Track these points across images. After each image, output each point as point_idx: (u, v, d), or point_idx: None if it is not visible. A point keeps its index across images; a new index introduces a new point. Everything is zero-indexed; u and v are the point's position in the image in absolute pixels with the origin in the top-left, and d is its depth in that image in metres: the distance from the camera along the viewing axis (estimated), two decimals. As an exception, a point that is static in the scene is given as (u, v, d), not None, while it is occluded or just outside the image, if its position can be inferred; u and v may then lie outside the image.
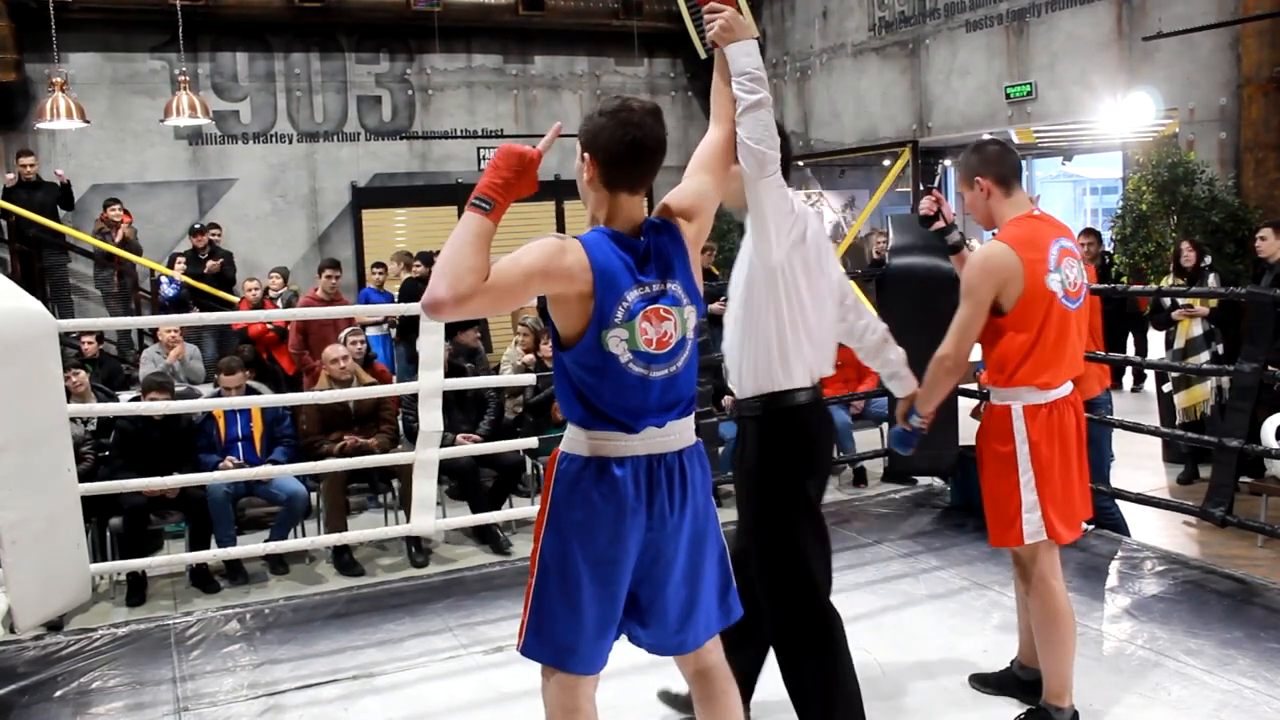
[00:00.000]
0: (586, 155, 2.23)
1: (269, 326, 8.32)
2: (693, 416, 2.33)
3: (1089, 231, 9.05)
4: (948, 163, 15.67)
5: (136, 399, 6.02)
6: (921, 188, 12.67)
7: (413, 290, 9.33)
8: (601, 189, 2.22)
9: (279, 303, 9.15)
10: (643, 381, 2.18)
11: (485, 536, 6.16)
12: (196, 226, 10.14)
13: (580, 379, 2.19)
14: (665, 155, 2.24)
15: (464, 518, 5.79)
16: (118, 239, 9.66)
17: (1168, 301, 6.80)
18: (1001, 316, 2.97)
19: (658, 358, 2.19)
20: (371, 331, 8.50)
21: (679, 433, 2.27)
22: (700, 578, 2.33)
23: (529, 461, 6.61)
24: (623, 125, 2.17)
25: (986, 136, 12.72)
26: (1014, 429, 2.99)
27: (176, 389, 6.89)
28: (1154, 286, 6.37)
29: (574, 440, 2.23)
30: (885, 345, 3.16)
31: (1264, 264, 6.62)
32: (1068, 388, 3.05)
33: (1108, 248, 9.28)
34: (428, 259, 9.89)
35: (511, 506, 6.22)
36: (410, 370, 7.34)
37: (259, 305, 8.62)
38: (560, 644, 2.23)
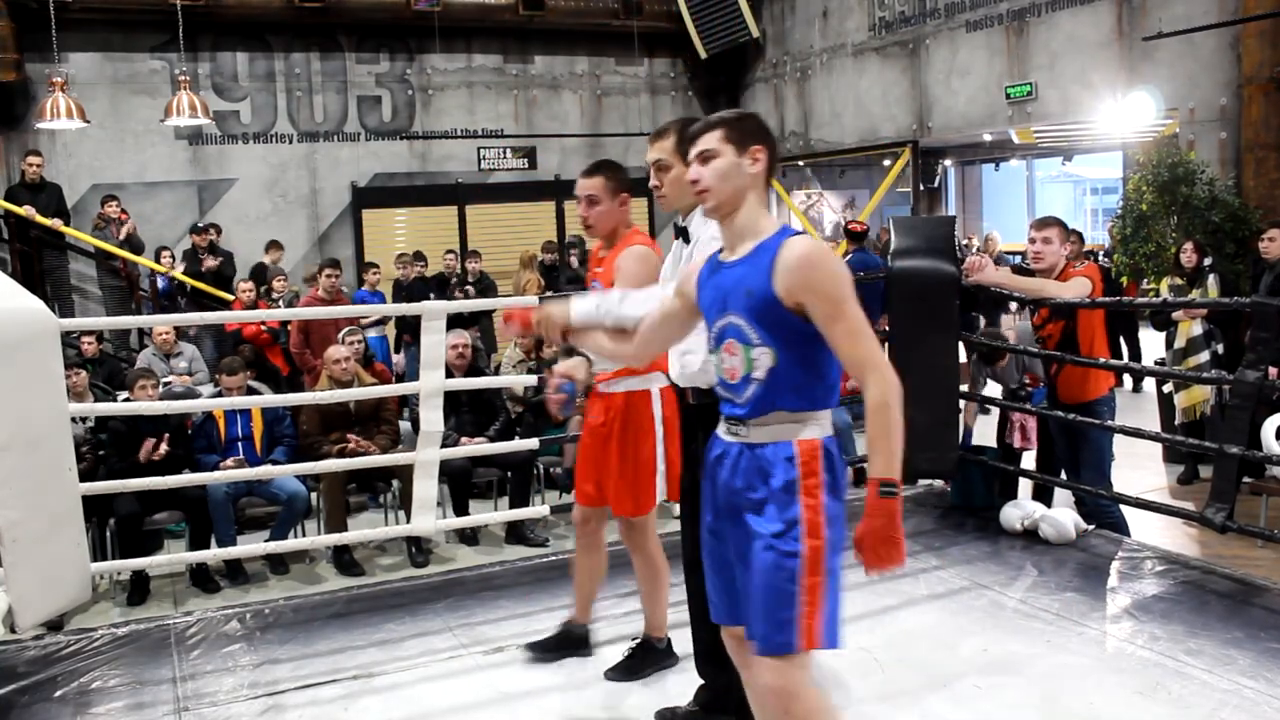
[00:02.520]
0: (759, 146, 2.36)
1: (263, 328, 8.32)
2: None
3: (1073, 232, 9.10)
4: (948, 163, 15.70)
5: (129, 399, 6.01)
6: (922, 188, 12.70)
7: (412, 290, 9.35)
8: (763, 184, 2.39)
9: (280, 303, 9.16)
10: None
11: (469, 537, 6.25)
12: (201, 226, 10.16)
13: (830, 356, 2.35)
14: None
15: (465, 518, 5.80)
16: (120, 236, 9.67)
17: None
18: None
19: None
20: (370, 333, 8.51)
21: None
22: None
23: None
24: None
25: (987, 137, 12.76)
26: (652, 408, 3.38)
27: (175, 389, 6.91)
28: (1159, 299, 6.37)
29: (823, 424, 2.38)
30: None
31: (1263, 264, 6.63)
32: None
33: (1106, 247, 9.29)
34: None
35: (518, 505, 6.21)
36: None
37: (252, 307, 8.62)
38: (836, 624, 2.32)
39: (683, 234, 2.99)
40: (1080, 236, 9.11)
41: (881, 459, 2.26)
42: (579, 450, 3.60)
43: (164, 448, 5.63)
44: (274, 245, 10.51)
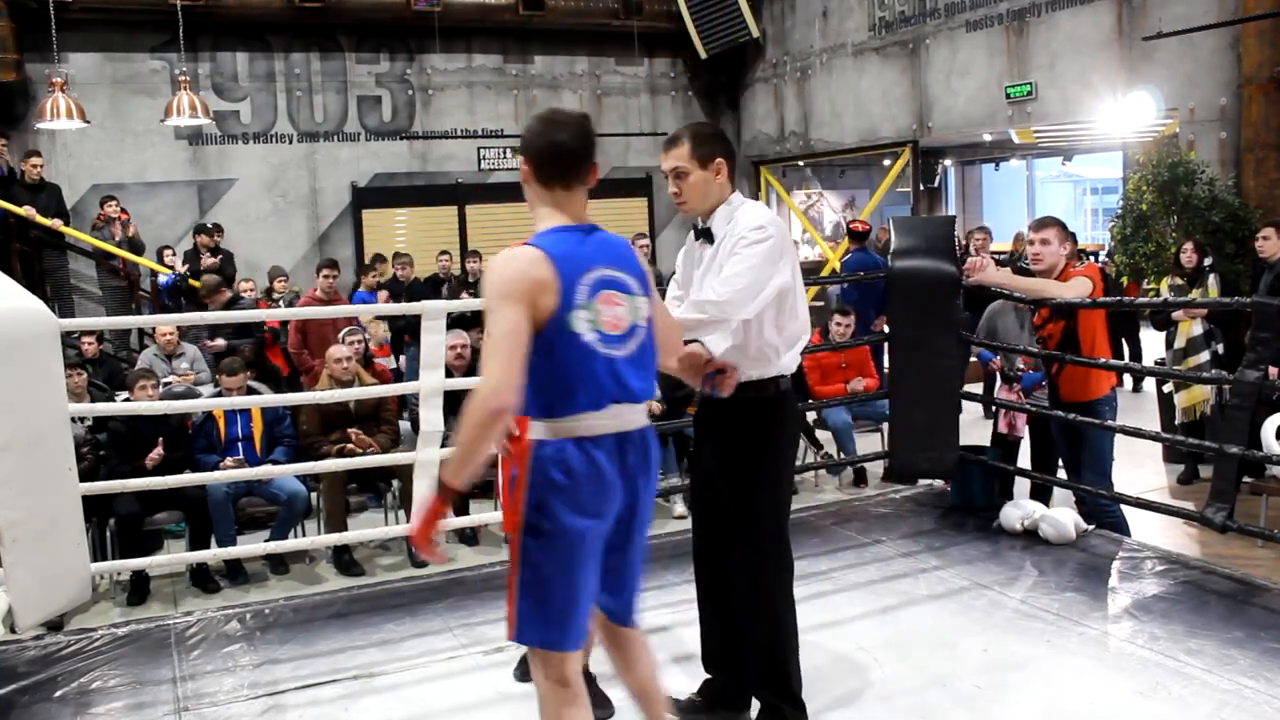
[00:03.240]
0: (521, 156, 2.48)
1: (264, 327, 8.31)
2: (649, 400, 2.52)
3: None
4: (948, 163, 15.70)
5: (128, 400, 6.01)
6: (922, 188, 12.69)
7: (411, 291, 9.35)
8: (536, 185, 2.45)
9: (280, 303, 9.16)
10: (609, 361, 2.37)
11: (469, 537, 6.32)
12: (209, 226, 10.17)
13: (549, 364, 2.33)
14: (584, 163, 2.43)
15: (465, 518, 5.79)
16: (119, 237, 9.68)
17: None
18: None
19: (616, 339, 2.39)
20: (372, 333, 8.51)
21: (644, 408, 2.47)
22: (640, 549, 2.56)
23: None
24: (549, 126, 2.43)
25: (988, 137, 12.76)
26: None
27: (175, 389, 6.91)
28: (1160, 299, 6.38)
29: (552, 428, 2.36)
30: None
31: (1263, 264, 6.64)
32: None
33: (1108, 248, 9.28)
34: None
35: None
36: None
37: (254, 307, 8.62)
38: (556, 626, 2.35)
39: (705, 235, 3.02)
40: (1074, 237, 9.05)
41: (448, 462, 2.36)
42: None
43: (159, 451, 5.61)
44: (380, 259, 10.20)
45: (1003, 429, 5.71)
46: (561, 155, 2.40)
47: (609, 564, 2.46)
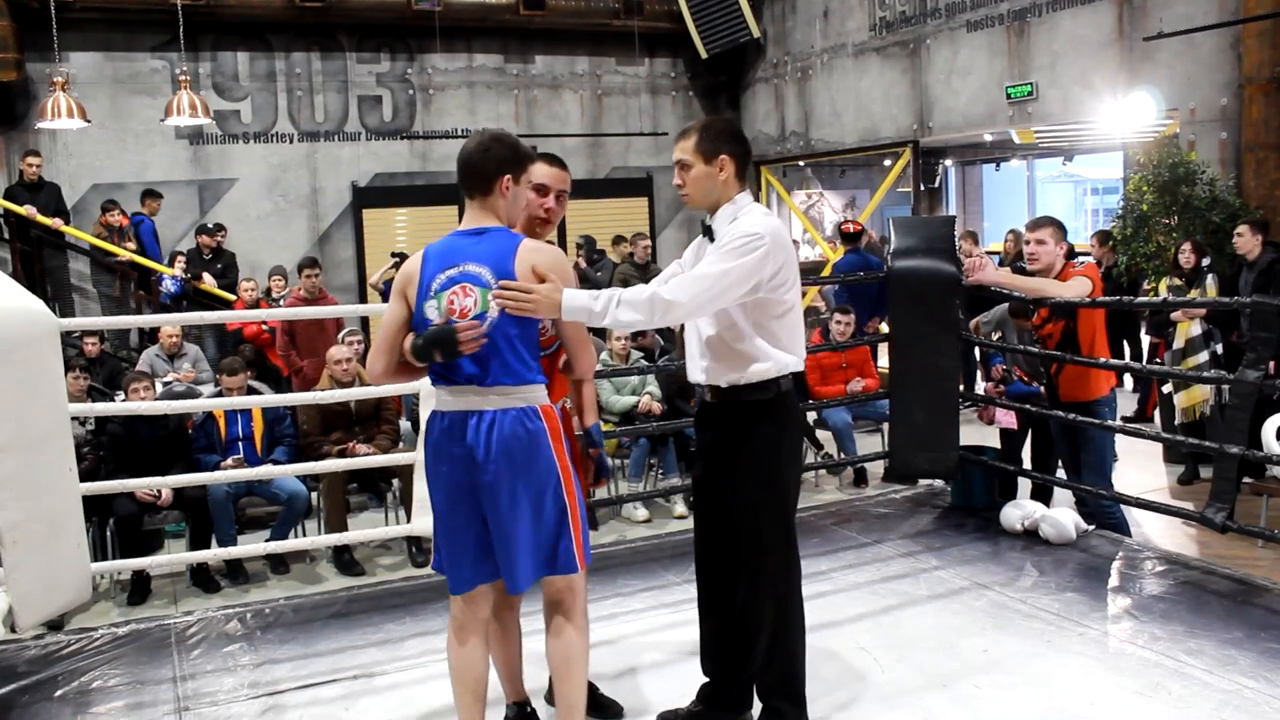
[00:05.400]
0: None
1: (264, 327, 8.32)
2: (517, 383, 2.67)
3: (1101, 233, 9.06)
4: (948, 163, 15.70)
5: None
6: (922, 188, 12.69)
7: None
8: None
9: (281, 303, 9.15)
10: None
11: None
12: (210, 226, 10.15)
13: None
14: (478, 176, 2.71)
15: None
16: (129, 250, 9.66)
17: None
18: None
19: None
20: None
21: (496, 394, 2.67)
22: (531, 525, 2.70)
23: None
24: (464, 146, 2.79)
25: (988, 137, 12.75)
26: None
27: (176, 390, 6.91)
28: (1159, 299, 6.38)
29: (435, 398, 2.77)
30: None
31: (1241, 262, 6.67)
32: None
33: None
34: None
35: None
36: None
37: (254, 306, 8.62)
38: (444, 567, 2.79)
39: (707, 231, 3.02)
40: (1110, 239, 8.93)
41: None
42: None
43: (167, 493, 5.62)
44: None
45: (984, 420, 5.75)
46: (460, 171, 2.76)
47: (491, 531, 2.70)
